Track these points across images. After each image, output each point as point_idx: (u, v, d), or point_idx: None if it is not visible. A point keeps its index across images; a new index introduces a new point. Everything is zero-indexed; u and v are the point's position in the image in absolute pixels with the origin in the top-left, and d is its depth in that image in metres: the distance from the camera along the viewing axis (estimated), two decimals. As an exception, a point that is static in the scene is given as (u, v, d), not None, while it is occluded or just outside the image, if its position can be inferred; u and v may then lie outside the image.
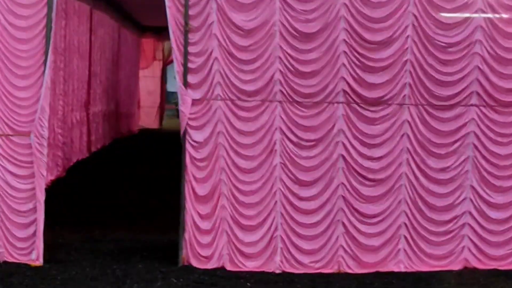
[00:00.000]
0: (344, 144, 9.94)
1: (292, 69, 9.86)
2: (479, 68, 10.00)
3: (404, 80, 9.94)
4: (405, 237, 10.06)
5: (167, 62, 33.21)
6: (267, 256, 9.97)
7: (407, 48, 9.91)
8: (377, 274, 9.99)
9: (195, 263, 9.97)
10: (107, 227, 12.41)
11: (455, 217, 10.10)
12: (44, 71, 9.92)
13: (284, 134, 9.90)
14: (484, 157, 10.06)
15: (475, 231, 10.15)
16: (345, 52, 9.86)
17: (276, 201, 9.94)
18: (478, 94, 10.03)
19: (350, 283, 9.61)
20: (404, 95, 9.96)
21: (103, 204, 14.39)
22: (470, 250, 10.15)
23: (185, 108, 9.84)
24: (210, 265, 9.96)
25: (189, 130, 9.91)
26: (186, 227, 9.95)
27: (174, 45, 9.85)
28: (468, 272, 10.07)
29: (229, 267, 9.97)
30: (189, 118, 9.87)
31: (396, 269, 10.05)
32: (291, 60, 9.84)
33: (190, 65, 9.83)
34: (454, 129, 10.02)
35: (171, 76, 37.53)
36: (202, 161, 9.93)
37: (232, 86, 9.88)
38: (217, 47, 9.83)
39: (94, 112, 21.47)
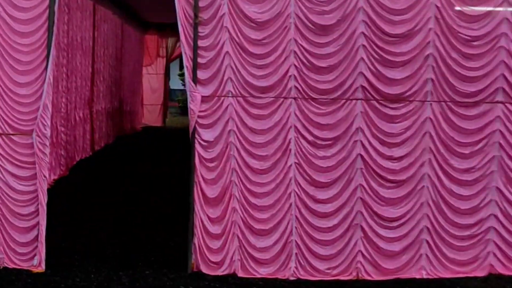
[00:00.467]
0: (362, 143, 9.49)
1: (307, 63, 9.42)
2: (505, 63, 9.52)
3: (426, 75, 9.48)
4: (427, 242, 9.62)
5: (170, 59, 32.94)
6: (281, 262, 9.55)
7: (429, 42, 9.45)
8: (398, 281, 9.54)
9: (205, 270, 9.57)
10: (112, 230, 11.98)
11: (480, 221, 9.64)
12: (46, 67, 9.51)
13: (299, 132, 9.47)
14: (510, 157, 9.58)
15: (500, 235, 9.68)
16: (364, 45, 9.42)
17: (290, 204, 9.51)
18: (504, 90, 9.56)
19: (370, 291, 9.12)
20: (426, 92, 9.51)
21: (108, 204, 13.92)
22: (495, 256, 9.69)
23: (195, 106, 9.42)
24: (220, 272, 9.55)
25: (199, 129, 9.48)
26: (195, 231, 9.54)
27: (183, 39, 9.40)
28: (493, 279, 9.60)
29: (240, 274, 9.55)
30: (199, 116, 9.44)
31: (417, 276, 9.60)
32: (306, 54, 9.41)
33: (199, 60, 9.40)
34: (479, 127, 9.56)
35: (174, 74, 37.33)
36: (212, 162, 9.51)
37: (244, 82, 9.44)
38: (228, 40, 9.41)
39: (98, 109, 21.15)
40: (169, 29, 29.04)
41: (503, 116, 9.57)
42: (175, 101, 40.23)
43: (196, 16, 9.32)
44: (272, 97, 9.43)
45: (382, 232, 9.54)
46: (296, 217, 9.50)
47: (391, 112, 9.48)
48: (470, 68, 9.47)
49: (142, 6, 24.49)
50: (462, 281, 9.50)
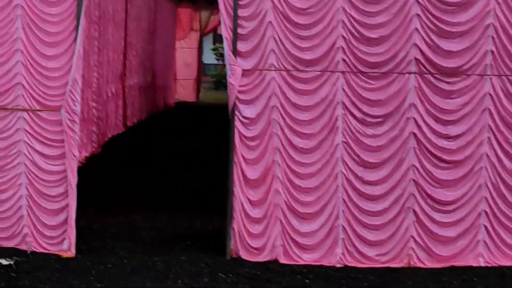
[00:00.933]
0: (416, 121, 8.91)
1: (357, 34, 8.85)
2: None
3: (486, 47, 8.86)
4: (485, 227, 9.01)
5: (204, 33, 32.65)
6: (327, 248, 9.03)
7: (489, 11, 8.82)
8: (453, 269, 8.90)
9: (244, 256, 9.07)
10: (146, 211, 11.48)
11: (543, 204, 9.00)
12: (75, 38, 8.99)
13: (347, 109, 8.93)
14: None
15: None
16: (418, 15, 8.81)
17: (337, 186, 8.99)
18: None
19: (425, 280, 8.51)
20: (486, 65, 8.89)
21: (141, 184, 13.45)
22: (560, 241, 9.04)
23: (234, 80, 8.92)
24: (261, 258, 9.05)
25: (239, 105, 8.98)
26: (234, 214, 9.05)
27: (222, 8, 8.88)
28: (556, 267, 8.95)
29: (283, 260, 9.04)
30: (239, 91, 8.94)
31: (474, 264, 8.98)
32: (355, 25, 8.83)
33: (240, 30, 8.88)
34: (544, 103, 8.91)
35: (207, 48, 36.98)
36: (253, 140, 9.00)
37: (288, 55, 8.91)
38: (271, 9, 8.87)
39: (130, 84, 20.92)
40: (203, 1, 28.66)
41: None
42: (208, 75, 39.90)
43: (235, -17, 8.79)
44: (318, 71, 8.90)
45: (436, 216, 8.96)
46: (343, 199, 8.99)
47: (447, 87, 8.89)
48: (534, 39, 8.84)
49: (176, -22, 24.11)
50: (524, 270, 8.89)
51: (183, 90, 31.08)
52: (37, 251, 9.12)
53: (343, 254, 8.98)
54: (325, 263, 8.95)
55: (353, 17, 8.80)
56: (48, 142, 9.07)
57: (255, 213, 9.01)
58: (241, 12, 8.83)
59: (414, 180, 8.92)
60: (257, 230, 9.02)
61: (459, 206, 8.95)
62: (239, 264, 8.87)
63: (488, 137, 8.91)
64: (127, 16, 19.86)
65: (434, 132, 8.88)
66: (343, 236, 8.98)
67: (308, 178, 8.95)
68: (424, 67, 8.83)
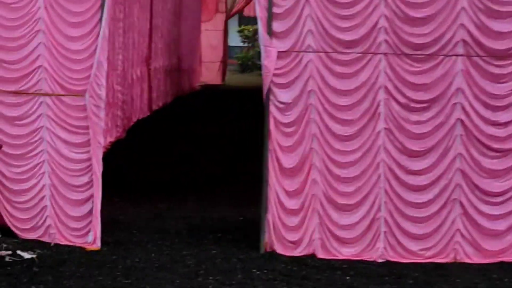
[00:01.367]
0: (463, 106, 8.47)
1: (400, 14, 8.40)
2: None
3: (539, 27, 8.36)
4: (537, 220, 8.52)
5: (230, 14, 32.16)
6: (368, 241, 8.60)
7: (543, -12, 8.32)
8: (502, 265, 8.39)
9: (280, 250, 8.65)
10: (173, 200, 11.04)
11: None
12: (100, 18, 8.61)
13: (390, 93, 8.48)
14: None
15: None
16: (466, -7, 8.36)
17: (379, 175, 8.56)
18: None
19: (474, 278, 8.00)
20: (539, 46, 8.39)
21: (166, 170, 13.00)
22: None
23: (269, 62, 8.50)
24: (298, 252, 8.64)
25: (274, 89, 8.54)
26: (269, 206, 8.62)
27: None
28: None
29: (320, 255, 8.61)
30: (274, 75, 8.51)
31: (525, 259, 8.46)
32: (399, 3, 8.43)
33: (275, 9, 8.52)
34: None
35: (232, 30, 36.57)
36: (290, 126, 8.59)
37: (327, 35, 8.49)
38: None
39: (156, 67, 20.41)
40: (229, -18, 28.24)
41: None
42: (233, 58, 39.48)
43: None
44: (359, 53, 8.47)
45: (484, 208, 8.52)
46: (385, 190, 8.55)
47: (497, 71, 8.43)
48: None
49: (201, -42, 23.67)
50: None
51: (209, 73, 30.62)
52: (61, 243, 8.78)
53: (384, 248, 8.56)
54: (366, 258, 8.54)
55: (396, -5, 8.37)
56: (72, 129, 8.72)
57: (291, 204, 8.61)
58: (276, -10, 8.45)
59: (460, 169, 8.49)
60: (293, 222, 8.61)
61: (508, 197, 8.51)
62: (274, 259, 8.43)
63: (541, 124, 8.41)
64: (153, -3, 19.45)
65: (482, 118, 8.45)
66: (385, 229, 8.56)
67: (348, 167, 8.54)
68: (472, 49, 8.40)
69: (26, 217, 8.82)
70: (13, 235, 8.84)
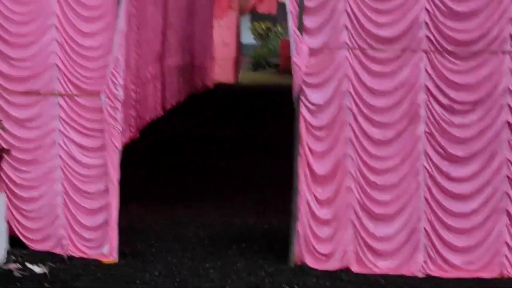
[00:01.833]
0: (511, 108, 7.86)
1: (443, 8, 7.81)
2: None
3: None
4: None
5: (243, 11, 31.82)
6: (406, 254, 8.02)
7: None
8: (555, 280, 7.79)
9: (311, 263, 8.10)
10: (192, 205, 10.46)
11: None
12: (117, 13, 8.06)
13: (431, 94, 7.90)
14: None
15: None
16: (515, -15, 7.80)
17: (419, 183, 7.98)
18: None
19: (525, 296, 7.32)
20: None
21: (183, 174, 12.40)
22: None
23: (300, 60, 7.91)
24: (330, 266, 8.07)
25: (305, 89, 7.98)
26: (299, 215, 8.06)
27: None
28: None
29: (355, 269, 8.06)
30: (305, 73, 7.93)
31: None
32: None
33: (307, 3, 7.95)
34: None
35: (245, 27, 36.29)
36: (322, 130, 8.03)
37: (363, 31, 7.93)
38: None
39: (169, 65, 20.07)
40: (242, -22, 27.89)
41: None
42: (245, 56, 39.14)
43: None
44: (398, 50, 7.90)
45: (533, 219, 7.93)
46: (426, 199, 7.97)
47: None
48: None
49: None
50: None
51: (222, 71, 30.29)
52: (75, 255, 8.21)
53: (425, 262, 7.98)
54: (405, 272, 7.95)
55: (439, -12, 7.81)
56: (87, 132, 8.18)
57: (323, 213, 8.06)
58: (308, -18, 7.90)
59: (508, 177, 7.89)
60: (325, 233, 8.07)
61: (561, 207, 7.90)
62: (304, 273, 7.86)
63: None
64: (166, -7, 19.10)
65: (533, 121, 7.87)
66: (426, 241, 7.99)
67: (385, 174, 7.98)
68: (522, 45, 7.80)
69: (36, 227, 8.27)
70: (22, 246, 8.26)
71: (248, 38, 40.14)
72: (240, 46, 32.43)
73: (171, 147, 14.78)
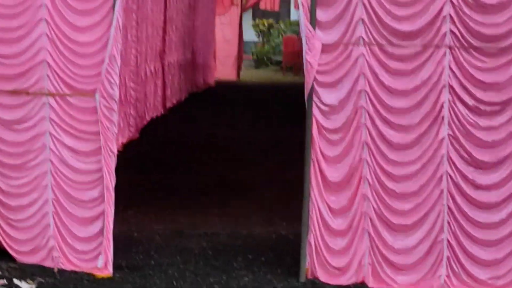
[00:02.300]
0: None
1: (469, 0, 7.27)
2: None
3: None
4: None
5: (245, 8, 31.63)
6: (427, 268, 7.48)
7: None
8: None
9: (323, 278, 7.56)
10: (195, 213, 9.89)
11: None
12: (113, 5, 7.56)
13: (456, 94, 7.36)
14: None
15: None
16: (548, -26, 7.24)
17: (441, 191, 7.44)
18: None
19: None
20: None
21: (185, 177, 11.88)
22: None
23: (313, 57, 7.37)
24: (345, 280, 7.56)
25: (318, 89, 7.45)
26: (311, 225, 7.52)
27: None
28: None
29: (371, 283, 7.53)
30: (318, 72, 7.40)
31: None
32: None
33: None
34: None
35: (246, 24, 36.17)
36: (336, 133, 7.52)
37: (381, 25, 7.37)
38: None
39: (170, 62, 19.77)
40: (243, -26, 27.71)
41: None
42: (247, 53, 39.00)
43: None
44: (419, 46, 7.36)
45: None
46: (449, 208, 7.44)
47: None
48: None
49: None
50: None
51: (223, 68, 30.24)
52: (66, 269, 7.67)
53: (447, 276, 7.47)
54: (426, 287, 7.43)
55: (464, -22, 7.27)
56: (80, 135, 7.67)
57: (337, 223, 7.54)
58: (321, -28, 7.37)
59: (538, 184, 7.35)
60: (340, 245, 7.55)
61: None
62: (316, 288, 7.33)
63: None
64: (167, -13, 18.87)
65: None
66: (448, 253, 7.47)
67: (405, 180, 7.45)
68: (555, 41, 7.25)
69: (25, 238, 7.76)
70: (10, 258, 7.73)
71: (250, 35, 40.08)
72: (242, 43, 32.37)
73: (171, 149, 14.31)
